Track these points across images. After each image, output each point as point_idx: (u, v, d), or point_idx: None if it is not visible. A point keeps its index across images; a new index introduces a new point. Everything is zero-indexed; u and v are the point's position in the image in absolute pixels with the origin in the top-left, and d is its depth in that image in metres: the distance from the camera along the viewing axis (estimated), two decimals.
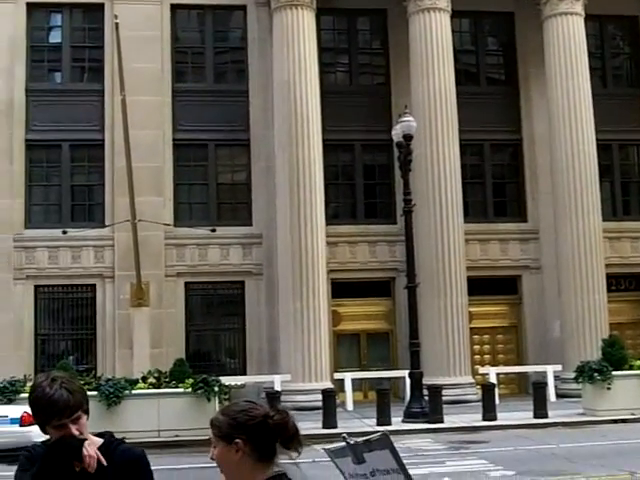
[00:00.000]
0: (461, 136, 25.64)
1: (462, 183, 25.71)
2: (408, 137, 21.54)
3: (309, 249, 24.21)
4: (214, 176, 27.38)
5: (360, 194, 27.83)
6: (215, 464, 2.94)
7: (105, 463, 3.11)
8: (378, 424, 19.51)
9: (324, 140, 25.29)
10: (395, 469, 3.04)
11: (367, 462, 3.19)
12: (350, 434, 3.27)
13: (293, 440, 2.84)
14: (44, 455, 3.11)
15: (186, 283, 26.51)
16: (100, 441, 3.23)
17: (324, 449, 3.49)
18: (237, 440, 2.80)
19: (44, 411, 3.11)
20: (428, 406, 20.57)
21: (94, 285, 25.81)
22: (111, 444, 3.25)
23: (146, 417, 18.81)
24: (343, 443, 3.29)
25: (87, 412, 3.22)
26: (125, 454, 3.24)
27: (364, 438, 3.15)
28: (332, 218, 26.23)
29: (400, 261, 25.67)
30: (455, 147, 25.40)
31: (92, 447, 3.11)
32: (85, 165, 26.81)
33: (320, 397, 20.39)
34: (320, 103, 25.12)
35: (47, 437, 3.26)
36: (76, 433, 3.11)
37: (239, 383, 23.14)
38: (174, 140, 26.74)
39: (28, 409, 13.18)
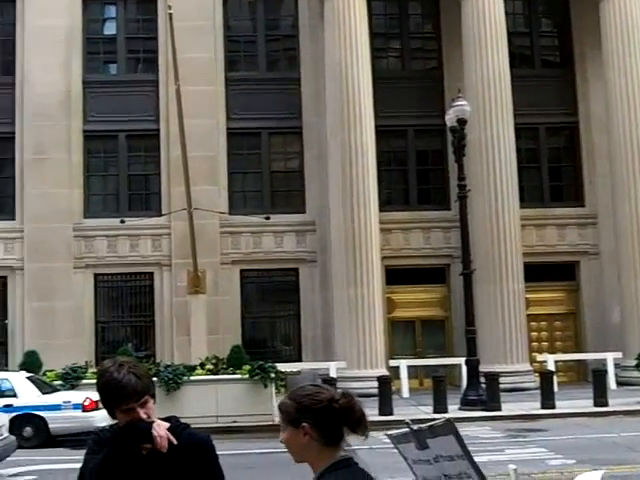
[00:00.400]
0: (516, 120, 25.36)
1: (517, 167, 25.43)
2: (462, 121, 21.37)
3: (362, 236, 24.21)
4: (267, 164, 27.55)
5: (413, 180, 27.73)
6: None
7: (175, 442, 3.17)
8: (434, 411, 19.46)
9: (376, 126, 25.22)
10: (459, 455, 3.05)
11: (430, 448, 3.21)
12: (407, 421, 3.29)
13: (360, 424, 2.87)
14: (114, 438, 3.17)
15: (241, 270, 26.76)
16: (167, 425, 3.26)
17: (386, 435, 3.52)
18: (304, 424, 2.84)
19: (113, 396, 3.15)
20: (485, 394, 20.46)
21: (152, 273, 26.20)
22: (177, 428, 3.28)
23: (204, 403, 19.08)
24: (406, 429, 3.32)
25: (154, 396, 3.26)
26: (191, 438, 3.29)
27: (428, 424, 3.18)
28: (385, 204, 26.16)
29: (455, 247, 25.54)
30: (510, 131, 25.13)
31: (161, 428, 3.17)
32: (141, 155, 27.18)
33: (375, 384, 20.43)
34: (372, 89, 25.05)
35: (113, 421, 3.29)
36: (144, 417, 3.15)
37: (295, 370, 23.31)
38: (228, 129, 26.96)
39: (90, 395, 13.50)
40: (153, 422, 3.19)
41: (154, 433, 3.15)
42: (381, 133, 25.87)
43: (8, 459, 16.40)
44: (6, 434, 15.07)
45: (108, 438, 3.26)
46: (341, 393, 2.90)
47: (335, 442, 2.88)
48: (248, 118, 26.94)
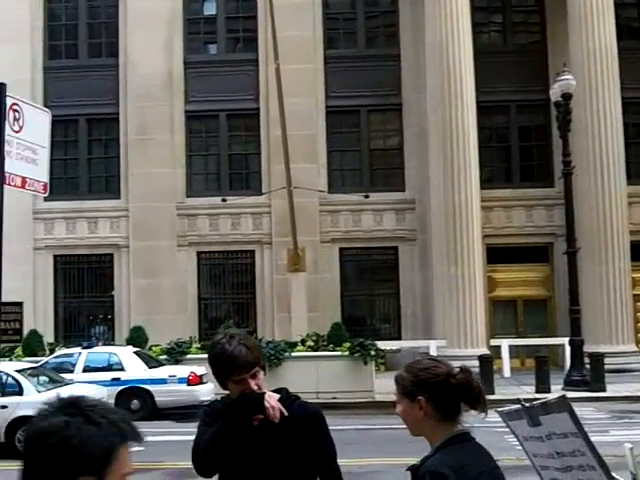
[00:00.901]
0: (623, 94, 24.54)
1: (624, 143, 24.64)
2: (567, 96, 20.82)
3: (463, 214, 23.93)
4: (366, 142, 27.48)
5: (516, 156, 27.21)
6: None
7: (286, 413, 3.23)
8: (537, 391, 19.20)
9: (478, 102, 24.79)
10: (573, 433, 2.99)
11: (543, 425, 3.16)
12: (508, 401, 3.25)
13: (478, 400, 2.86)
14: (226, 409, 3.24)
15: (340, 249, 26.85)
16: (277, 396, 3.33)
17: (497, 411, 3.49)
18: (419, 398, 2.84)
19: (224, 367, 3.23)
20: (589, 374, 20.05)
21: (253, 251, 26.56)
22: (287, 400, 3.35)
23: (305, 379, 19.25)
24: (517, 406, 3.28)
25: (264, 369, 3.34)
26: (302, 409, 3.36)
27: (541, 401, 3.14)
28: (486, 182, 25.75)
29: (558, 226, 24.99)
30: (617, 106, 24.33)
31: (273, 399, 3.24)
32: (242, 134, 27.50)
33: (476, 363, 20.22)
34: (473, 64, 24.62)
35: (221, 395, 3.41)
36: (255, 388, 3.22)
37: (394, 348, 23.29)
38: (327, 107, 26.99)
39: (195, 369, 13.81)
40: (264, 393, 3.24)
41: (266, 404, 3.20)
42: (482, 109, 25.44)
43: None
44: None
45: (219, 409, 3.34)
46: (459, 369, 2.90)
47: (451, 417, 2.87)
48: (347, 96, 26.90)
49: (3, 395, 14.80)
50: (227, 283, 26.89)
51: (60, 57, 27.72)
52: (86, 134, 27.01)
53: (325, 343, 20.98)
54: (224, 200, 25.62)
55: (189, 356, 21.32)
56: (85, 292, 26.86)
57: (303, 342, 21.02)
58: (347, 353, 20.09)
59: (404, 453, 12.00)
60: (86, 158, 27.02)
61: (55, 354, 20.87)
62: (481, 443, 2.96)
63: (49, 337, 24.80)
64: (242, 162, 27.49)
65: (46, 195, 5.59)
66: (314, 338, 21.22)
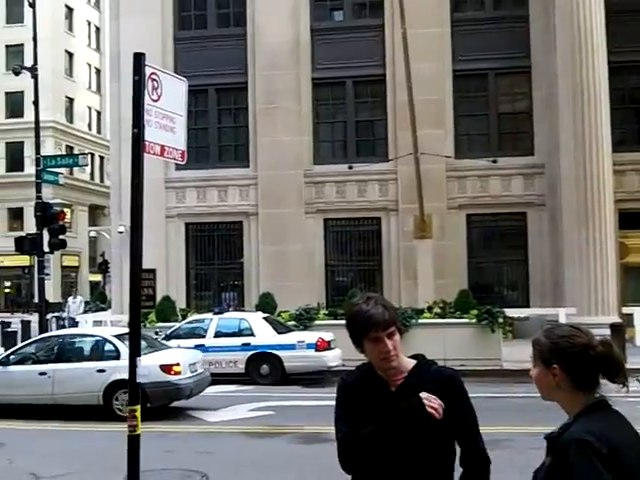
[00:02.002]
0: None
1: None
2: None
3: (594, 178, 23.07)
4: (494, 106, 26.86)
5: None
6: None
7: (443, 406, 3.19)
8: None
9: (609, 62, 23.73)
10: None
11: None
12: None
13: (618, 374, 2.75)
14: (387, 420, 3.20)
15: (467, 215, 26.44)
16: (413, 362, 3.35)
17: (638, 380, 3.32)
18: (554, 366, 2.77)
19: (361, 325, 3.25)
20: None
21: (379, 218, 26.49)
22: (424, 365, 3.36)
23: (432, 346, 19.03)
24: None
25: (400, 332, 3.32)
26: (439, 374, 3.34)
27: None
28: (618, 145, 24.69)
29: None
30: None
31: (433, 399, 3.19)
32: (368, 101, 27.35)
33: (607, 332, 19.57)
34: (605, 23, 23.56)
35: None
36: (390, 348, 3.22)
37: (522, 315, 22.84)
38: (454, 71, 26.48)
39: (323, 335, 13.92)
40: (419, 395, 3.19)
41: (429, 410, 3.18)
42: (614, 69, 24.32)
43: (246, 395, 17.36)
44: (201, 370, 15.92)
45: (355, 379, 3.38)
46: (599, 340, 2.78)
47: (587, 388, 2.78)
48: (475, 59, 26.29)
49: (101, 359, 15.28)
50: (353, 250, 26.94)
51: (190, 28, 28.22)
52: (215, 103, 27.45)
53: (452, 310, 20.78)
54: (351, 167, 25.60)
55: (317, 322, 21.53)
56: (215, 259, 27.47)
57: (430, 309, 20.88)
58: (474, 320, 19.85)
59: (532, 421, 11.81)
60: (216, 127, 27.49)
61: (187, 320, 21.45)
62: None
63: (181, 303, 25.54)
64: (368, 129, 27.37)
65: (184, 163, 5.65)
66: (441, 305, 21.05)
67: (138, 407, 4.74)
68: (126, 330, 19.01)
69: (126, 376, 14.90)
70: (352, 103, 27.07)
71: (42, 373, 14.89)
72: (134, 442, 4.75)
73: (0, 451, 11.64)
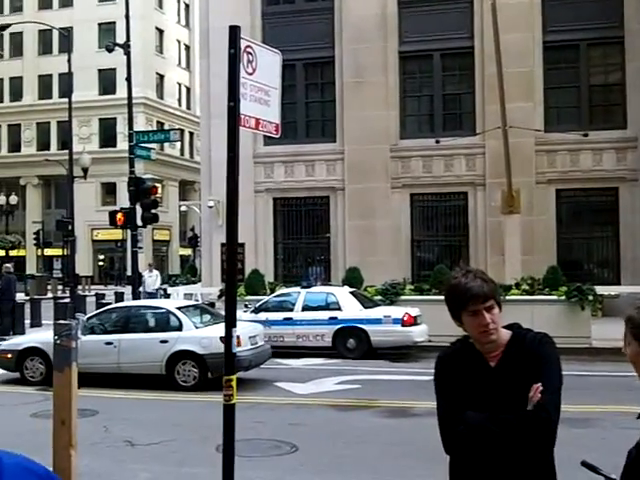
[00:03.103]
0: None
1: None
2: None
3: None
4: (586, 78, 26.12)
5: None
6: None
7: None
8: None
9: None
10: None
11: None
12: None
13: None
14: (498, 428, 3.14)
15: (557, 190, 25.87)
16: (509, 333, 3.31)
17: None
18: None
19: (459, 297, 3.24)
20: None
21: (466, 193, 26.16)
22: (520, 334, 3.32)
23: (520, 323, 18.86)
24: None
25: (500, 306, 3.27)
26: (533, 338, 3.31)
27: None
28: None
29: None
30: None
31: (533, 389, 3.14)
32: (456, 74, 26.96)
33: None
34: None
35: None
36: (489, 321, 3.18)
37: (613, 293, 22.29)
38: (544, 42, 25.83)
39: (409, 310, 13.86)
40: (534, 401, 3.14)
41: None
42: None
43: (333, 368, 17.46)
44: (261, 343, 16.05)
45: (453, 354, 3.37)
46: None
47: None
48: (565, 30, 25.59)
49: (165, 330, 15.60)
50: (440, 225, 26.69)
51: (277, 2, 28.25)
52: (303, 78, 27.45)
53: (540, 287, 20.41)
54: (437, 141, 25.31)
55: (403, 297, 21.45)
56: (302, 234, 27.60)
57: (517, 285, 20.55)
58: (563, 297, 19.46)
59: (623, 401, 11.56)
60: (303, 102, 27.51)
61: (275, 293, 21.65)
62: None
63: (269, 277, 25.79)
64: (456, 102, 26.99)
65: (278, 136, 5.66)
66: (529, 282, 20.69)
67: (234, 377, 4.81)
68: (189, 303, 19.42)
69: (187, 347, 15.39)
70: (439, 76, 26.71)
71: (108, 343, 15.33)
72: (229, 411, 4.81)
73: (95, 419, 11.98)
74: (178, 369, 15.11)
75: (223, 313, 18.59)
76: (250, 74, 5.00)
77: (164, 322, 15.92)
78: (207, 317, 16.69)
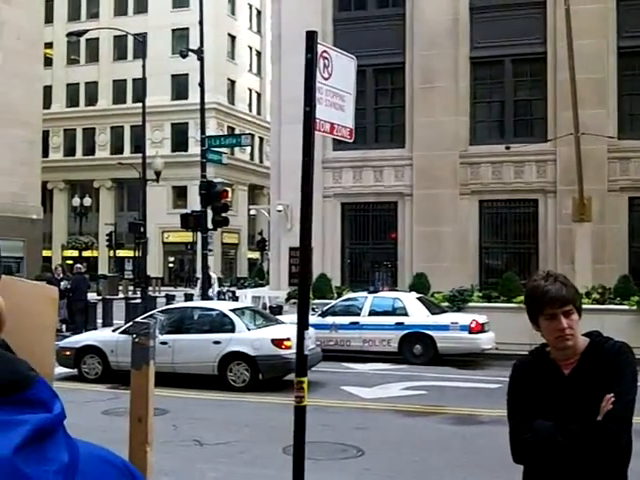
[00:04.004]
0: None
1: None
2: None
3: None
4: None
5: None
6: None
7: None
8: None
9: None
10: None
11: None
12: None
13: None
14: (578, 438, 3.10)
15: (630, 198, 25.28)
16: (586, 340, 3.26)
17: None
18: None
19: (537, 300, 3.20)
20: None
21: (536, 200, 25.75)
22: (598, 342, 3.27)
23: None
24: None
25: (579, 312, 3.24)
26: (611, 347, 3.24)
27: None
28: None
29: None
30: None
31: (605, 401, 3.10)
32: (527, 79, 26.59)
33: None
34: None
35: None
36: (565, 326, 3.14)
37: None
38: (619, 48, 25.29)
39: (477, 317, 13.80)
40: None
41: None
42: None
43: (399, 373, 17.40)
44: (312, 346, 16.06)
45: (528, 363, 3.35)
46: None
47: None
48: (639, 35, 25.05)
49: (218, 332, 15.82)
50: (509, 232, 26.33)
51: (349, 8, 28.30)
52: (373, 84, 27.39)
53: (611, 296, 20.03)
54: (508, 148, 25.00)
55: (470, 304, 21.32)
56: (370, 239, 27.56)
57: (588, 294, 20.21)
58: (635, 307, 19.08)
59: None
60: (373, 108, 27.44)
61: (343, 297, 21.72)
62: None
63: (336, 281, 25.83)
64: (527, 108, 26.62)
65: (352, 140, 5.67)
66: (600, 291, 20.35)
67: (305, 379, 4.83)
68: (243, 305, 19.60)
69: (239, 348, 15.63)
70: (510, 82, 26.37)
71: (163, 342, 15.55)
72: (300, 413, 4.84)
73: (165, 417, 12.16)
74: (230, 370, 15.34)
75: (291, 316, 18.91)
76: (326, 79, 5.02)
77: (218, 323, 16.21)
78: (260, 319, 16.98)
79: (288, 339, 15.24)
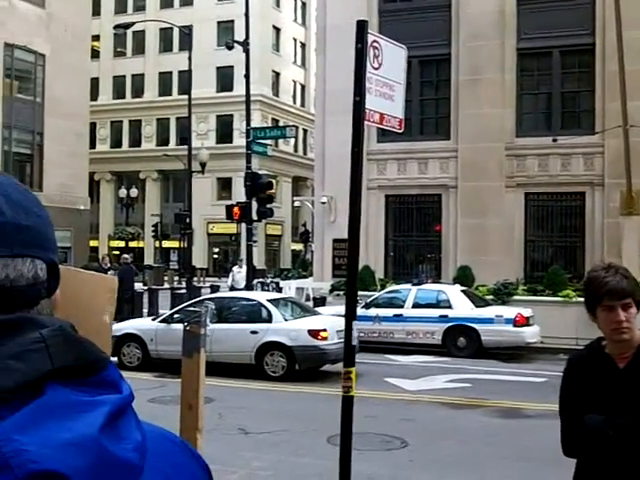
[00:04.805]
0: None
1: None
2: None
3: None
4: None
5: None
6: None
7: None
8: None
9: None
10: None
11: None
12: None
13: None
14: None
15: None
16: None
17: None
18: None
19: (596, 291, 3.17)
20: None
21: (583, 193, 25.43)
22: None
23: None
24: None
25: (638, 306, 3.19)
26: None
27: None
28: None
29: None
30: None
31: None
32: (575, 71, 26.22)
33: None
34: None
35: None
36: (622, 319, 3.11)
37: None
38: None
39: (522, 311, 13.74)
40: None
41: None
42: None
43: (443, 366, 17.36)
44: (337, 340, 16.04)
45: (582, 357, 3.35)
46: None
47: None
48: None
49: (255, 322, 15.93)
50: (555, 225, 26.02)
51: (394, 0, 28.17)
52: (418, 75, 27.20)
53: None
54: (554, 140, 24.69)
55: (515, 297, 21.16)
56: (414, 231, 27.46)
57: None
58: None
59: None
60: (418, 99, 27.27)
61: (386, 290, 21.70)
62: None
63: (379, 273, 25.80)
64: (574, 100, 26.26)
65: (401, 131, 5.65)
66: None
67: (353, 369, 4.85)
68: (279, 295, 19.72)
69: (276, 338, 15.84)
70: (558, 74, 26.02)
71: None
72: (348, 403, 4.85)
73: (210, 406, 12.23)
74: (267, 360, 15.49)
75: (334, 308, 18.98)
76: (376, 69, 5.01)
77: (255, 314, 16.35)
78: (297, 310, 17.11)
79: (324, 330, 15.37)
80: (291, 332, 15.50)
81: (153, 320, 17.46)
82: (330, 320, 16.49)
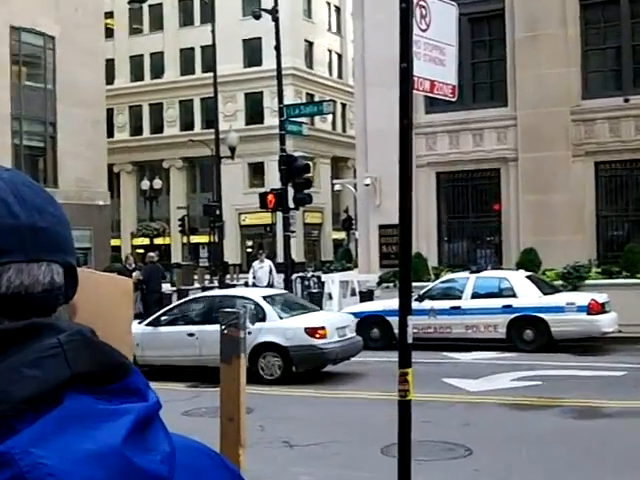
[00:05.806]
0: None
1: None
2: None
3: None
4: None
5: None
6: None
7: None
8: None
9: None
10: None
11: None
12: None
13: None
14: None
15: None
16: None
17: None
18: None
19: None
20: None
21: None
22: None
23: None
24: None
25: None
26: None
27: None
28: None
29: None
30: None
31: None
32: None
33: None
34: None
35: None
36: None
37: None
38: None
39: (596, 297, 13.70)
40: None
41: None
42: None
43: (508, 362, 17.27)
44: (350, 335, 16.28)
45: None
46: None
47: None
48: None
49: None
50: (630, 198, 25.60)
51: None
52: (469, 35, 26.80)
53: None
54: (627, 100, 24.35)
55: (588, 282, 20.95)
56: (470, 212, 27.28)
57: None
58: None
59: None
60: (469, 63, 26.92)
61: (441, 279, 21.61)
62: None
63: (432, 261, 25.71)
64: None
65: (455, 99, 5.58)
66: None
67: (410, 370, 4.78)
68: (274, 292, 19.72)
69: (271, 338, 15.94)
70: (627, 25, 25.53)
71: (190, 334, 15.96)
72: (405, 408, 4.80)
73: (251, 417, 12.26)
74: (261, 362, 15.60)
75: (383, 302, 18.98)
76: (424, 31, 4.92)
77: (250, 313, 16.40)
78: (294, 307, 17.23)
79: (322, 328, 15.45)
80: (287, 331, 15.69)
81: (139, 323, 17.47)
82: (329, 317, 16.63)
